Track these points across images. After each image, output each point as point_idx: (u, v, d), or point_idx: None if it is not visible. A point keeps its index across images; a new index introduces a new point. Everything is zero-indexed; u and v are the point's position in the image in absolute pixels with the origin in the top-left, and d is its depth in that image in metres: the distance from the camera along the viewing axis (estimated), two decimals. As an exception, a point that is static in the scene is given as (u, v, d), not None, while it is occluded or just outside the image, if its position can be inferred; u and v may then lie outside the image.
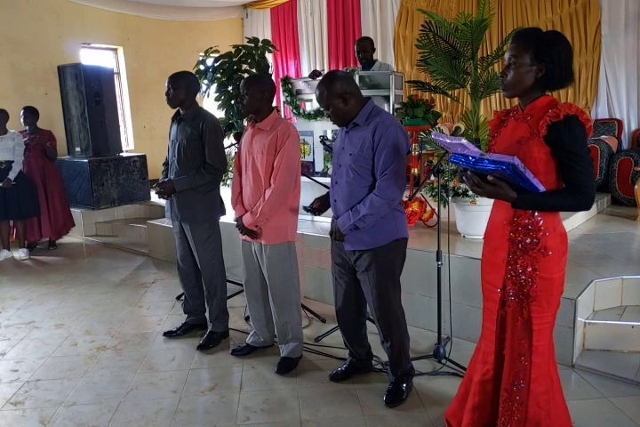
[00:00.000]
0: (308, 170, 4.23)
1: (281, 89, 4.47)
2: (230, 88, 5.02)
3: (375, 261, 2.48)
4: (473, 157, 1.71)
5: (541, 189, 1.77)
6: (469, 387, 2.15)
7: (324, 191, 3.69)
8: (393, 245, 2.49)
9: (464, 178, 1.83)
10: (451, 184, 3.58)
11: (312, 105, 4.52)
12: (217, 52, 5.10)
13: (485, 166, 1.70)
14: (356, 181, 2.44)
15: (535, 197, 1.79)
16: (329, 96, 2.41)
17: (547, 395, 1.96)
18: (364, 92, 4.25)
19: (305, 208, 2.71)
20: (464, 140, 1.73)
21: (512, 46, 1.85)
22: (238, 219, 2.93)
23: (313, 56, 8.71)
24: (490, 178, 1.75)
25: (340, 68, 8.00)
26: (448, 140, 1.80)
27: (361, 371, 2.85)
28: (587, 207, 1.82)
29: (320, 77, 4.33)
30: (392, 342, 2.59)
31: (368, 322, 2.90)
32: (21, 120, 5.56)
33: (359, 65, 5.09)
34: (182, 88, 3.11)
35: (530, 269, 1.87)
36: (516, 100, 1.96)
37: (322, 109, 4.28)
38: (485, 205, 3.23)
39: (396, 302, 2.58)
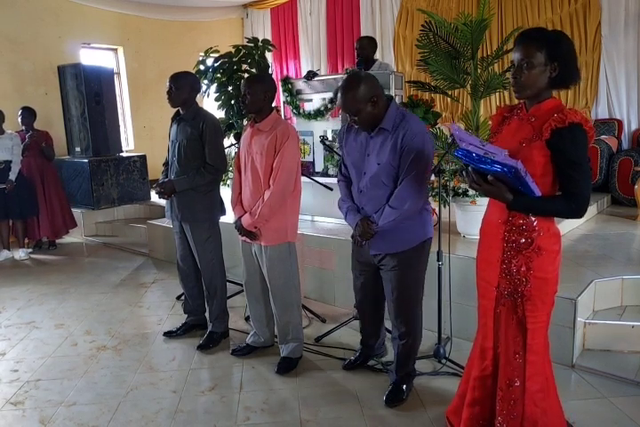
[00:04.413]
0: (308, 170, 4.23)
1: (281, 89, 4.46)
2: (230, 88, 5.02)
3: (402, 261, 2.46)
4: (477, 155, 1.69)
5: (537, 193, 1.77)
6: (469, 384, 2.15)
7: (324, 191, 3.71)
8: (420, 247, 2.47)
9: (464, 173, 1.84)
10: (451, 184, 3.58)
11: (312, 105, 4.51)
12: (217, 52, 5.10)
13: (487, 166, 1.70)
14: (384, 190, 2.38)
15: (530, 202, 1.80)
16: (357, 100, 2.26)
17: (542, 393, 1.97)
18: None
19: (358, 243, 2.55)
20: (488, 146, 1.69)
21: (521, 47, 1.81)
22: (237, 220, 2.93)
23: (313, 56, 8.71)
24: (489, 178, 1.76)
25: (340, 69, 8.00)
26: (469, 138, 1.73)
27: (372, 358, 2.92)
28: (580, 215, 1.84)
29: (316, 78, 4.34)
30: (407, 341, 2.59)
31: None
32: (19, 120, 5.56)
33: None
34: (185, 87, 3.11)
35: (524, 269, 1.88)
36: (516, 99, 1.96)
37: (322, 109, 4.31)
38: (485, 205, 3.23)
39: (417, 303, 2.58)
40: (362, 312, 2.84)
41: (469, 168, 1.80)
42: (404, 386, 2.63)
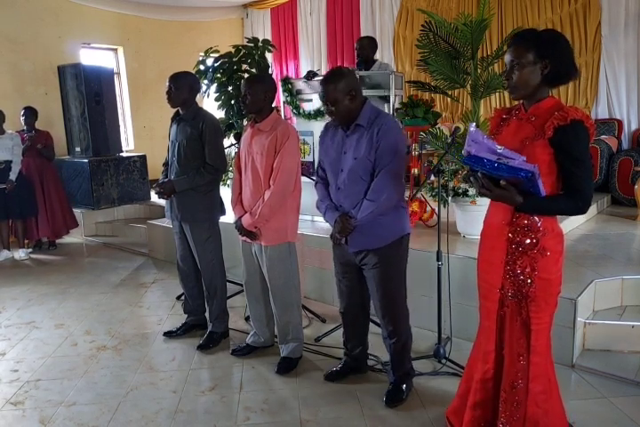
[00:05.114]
0: (308, 170, 4.23)
1: (281, 89, 4.46)
2: (230, 88, 5.01)
3: (383, 258, 2.48)
4: (489, 162, 1.67)
5: (543, 193, 1.77)
6: (469, 385, 2.15)
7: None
8: (398, 243, 2.50)
9: (472, 179, 1.82)
10: (451, 184, 3.58)
11: (312, 105, 4.51)
12: (217, 52, 5.10)
13: (503, 172, 1.68)
14: (362, 185, 2.42)
15: (539, 202, 1.80)
16: (337, 91, 2.37)
17: (545, 394, 1.97)
18: (364, 93, 4.25)
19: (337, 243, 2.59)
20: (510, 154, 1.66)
21: (512, 49, 1.85)
22: (237, 220, 2.93)
23: (313, 56, 8.71)
24: (502, 183, 1.75)
25: (340, 69, 7.99)
26: (485, 142, 1.71)
27: (356, 371, 2.85)
28: (584, 212, 1.85)
29: (316, 78, 4.34)
30: (397, 339, 2.59)
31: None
32: (22, 120, 5.57)
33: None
34: (184, 88, 3.11)
35: (528, 270, 1.88)
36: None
37: (322, 109, 4.30)
38: (485, 205, 3.22)
39: (403, 299, 2.59)
40: (348, 319, 2.78)
41: (479, 173, 1.78)
42: (404, 386, 2.63)
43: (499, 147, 1.68)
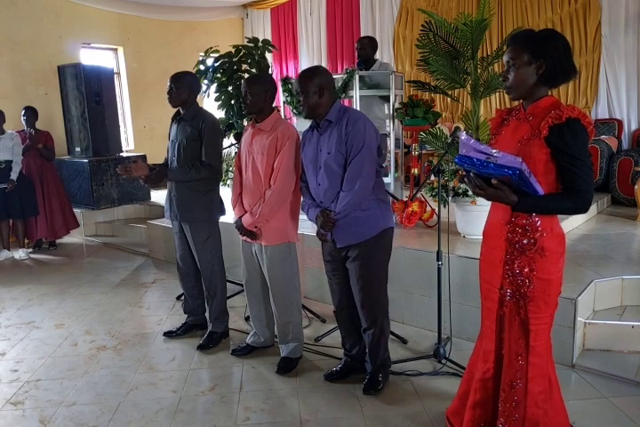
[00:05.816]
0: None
1: (281, 89, 4.46)
2: (230, 88, 5.01)
3: (364, 251, 2.54)
4: (479, 160, 1.68)
5: (541, 192, 1.76)
6: (470, 385, 2.15)
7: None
8: (380, 237, 2.56)
9: (465, 179, 1.83)
10: (451, 184, 3.58)
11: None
12: (217, 52, 5.10)
13: (491, 171, 1.69)
14: (338, 179, 2.50)
15: (535, 201, 1.79)
16: (308, 85, 2.49)
17: (544, 394, 1.96)
18: (364, 92, 4.28)
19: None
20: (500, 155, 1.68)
21: (509, 49, 1.87)
22: (238, 219, 2.93)
23: (312, 56, 8.72)
24: (494, 182, 1.75)
25: (340, 69, 8.01)
26: (477, 147, 1.72)
27: (356, 371, 2.85)
28: (584, 211, 1.84)
29: None
30: (374, 330, 2.65)
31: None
32: (22, 120, 5.57)
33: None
34: (185, 88, 3.11)
35: (527, 270, 1.87)
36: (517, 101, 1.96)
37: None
38: (485, 205, 3.21)
39: (382, 292, 2.65)
40: (341, 317, 2.83)
41: (471, 173, 1.78)
42: (380, 376, 2.70)
43: (494, 151, 1.68)
